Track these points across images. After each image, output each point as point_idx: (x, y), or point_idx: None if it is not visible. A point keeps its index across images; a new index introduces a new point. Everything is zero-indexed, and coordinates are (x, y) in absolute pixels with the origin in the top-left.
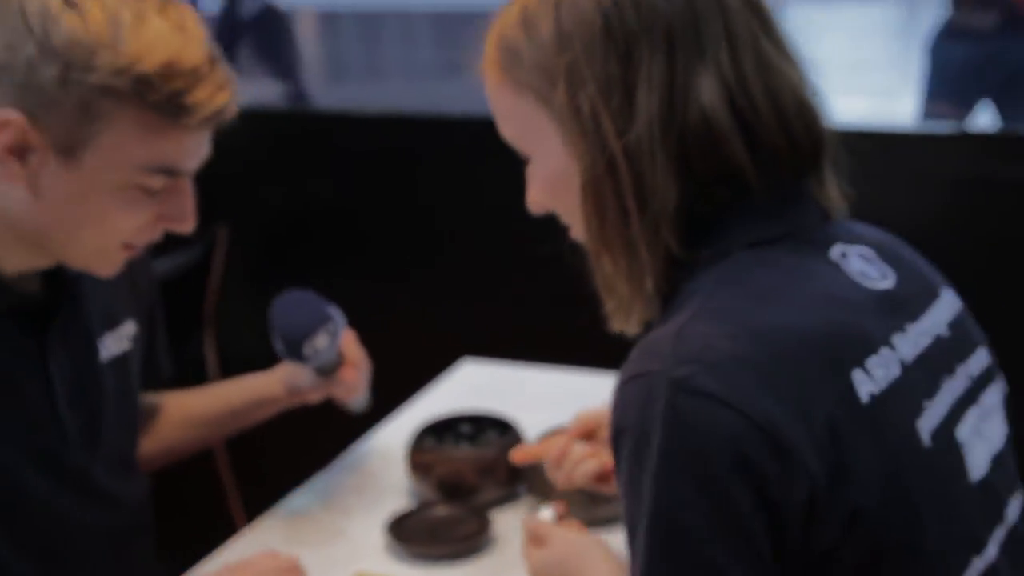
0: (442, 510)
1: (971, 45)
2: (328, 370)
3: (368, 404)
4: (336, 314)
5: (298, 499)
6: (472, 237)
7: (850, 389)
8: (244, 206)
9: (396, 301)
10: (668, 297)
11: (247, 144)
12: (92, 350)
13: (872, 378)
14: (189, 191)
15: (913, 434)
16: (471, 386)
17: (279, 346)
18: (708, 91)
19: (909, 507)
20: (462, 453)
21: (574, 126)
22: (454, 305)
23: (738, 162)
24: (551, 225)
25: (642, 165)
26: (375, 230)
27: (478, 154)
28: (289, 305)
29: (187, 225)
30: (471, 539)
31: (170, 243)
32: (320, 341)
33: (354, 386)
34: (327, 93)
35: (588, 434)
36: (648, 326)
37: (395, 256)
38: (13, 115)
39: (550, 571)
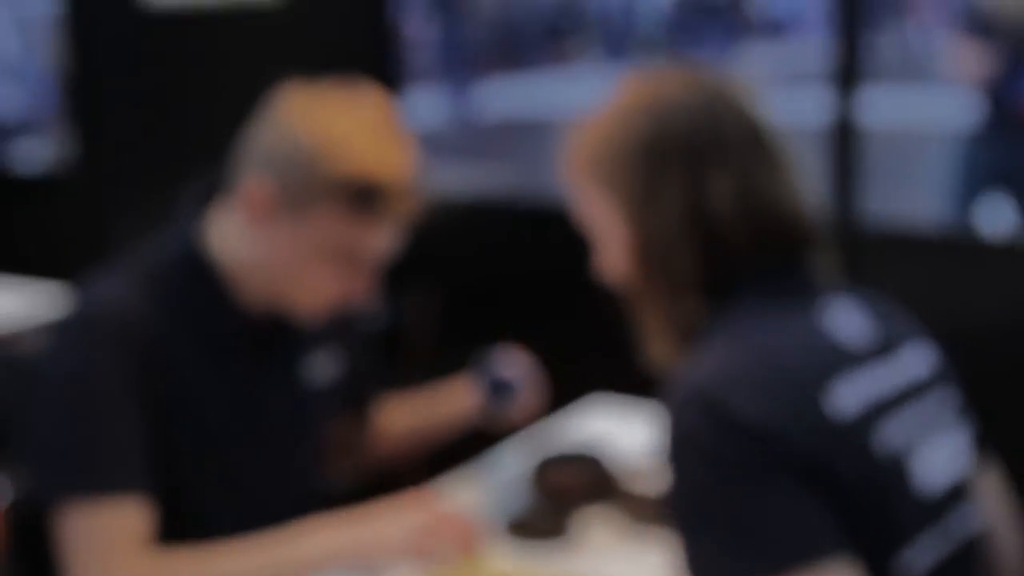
0: (543, 514)
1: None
2: (508, 411)
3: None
4: (532, 372)
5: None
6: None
7: (825, 403)
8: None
9: (551, 351)
10: (695, 336)
11: (470, 228)
12: (299, 372)
13: (842, 398)
14: (369, 274)
15: (872, 447)
16: (594, 416)
17: (484, 392)
18: (718, 195)
19: (875, 495)
20: (563, 476)
21: (623, 216)
22: (592, 350)
23: (745, 248)
24: None
25: (669, 246)
26: (549, 298)
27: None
28: (500, 361)
29: (362, 301)
30: (554, 531)
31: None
32: (518, 394)
33: (518, 421)
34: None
35: None
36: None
37: (557, 317)
38: (270, 185)
39: None
